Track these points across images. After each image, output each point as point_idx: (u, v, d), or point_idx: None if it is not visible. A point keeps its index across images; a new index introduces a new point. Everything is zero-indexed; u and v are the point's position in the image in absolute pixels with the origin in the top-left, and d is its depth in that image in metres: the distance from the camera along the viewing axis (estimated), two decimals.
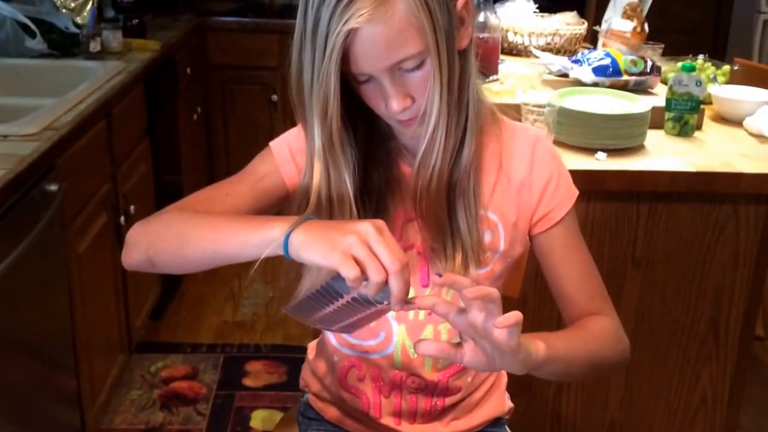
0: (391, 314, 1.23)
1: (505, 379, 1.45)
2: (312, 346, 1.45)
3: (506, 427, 1.44)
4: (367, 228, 0.93)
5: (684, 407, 2.20)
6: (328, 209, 1.12)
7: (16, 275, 1.73)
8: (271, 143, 1.24)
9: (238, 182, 1.21)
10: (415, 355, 1.26)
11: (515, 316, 0.95)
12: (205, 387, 2.75)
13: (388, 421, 1.33)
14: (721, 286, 2.06)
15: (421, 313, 1.24)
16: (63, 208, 1.99)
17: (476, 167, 1.17)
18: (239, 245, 1.02)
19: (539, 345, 1.05)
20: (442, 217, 1.16)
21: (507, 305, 1.55)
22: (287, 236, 0.97)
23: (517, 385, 1.46)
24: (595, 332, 1.21)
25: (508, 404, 1.45)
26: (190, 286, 3.38)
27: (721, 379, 2.17)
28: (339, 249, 0.92)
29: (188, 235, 1.08)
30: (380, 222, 0.95)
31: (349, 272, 0.90)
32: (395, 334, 1.26)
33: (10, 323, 1.78)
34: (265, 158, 1.23)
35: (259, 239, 1.00)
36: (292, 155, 1.21)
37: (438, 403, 1.33)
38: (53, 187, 1.90)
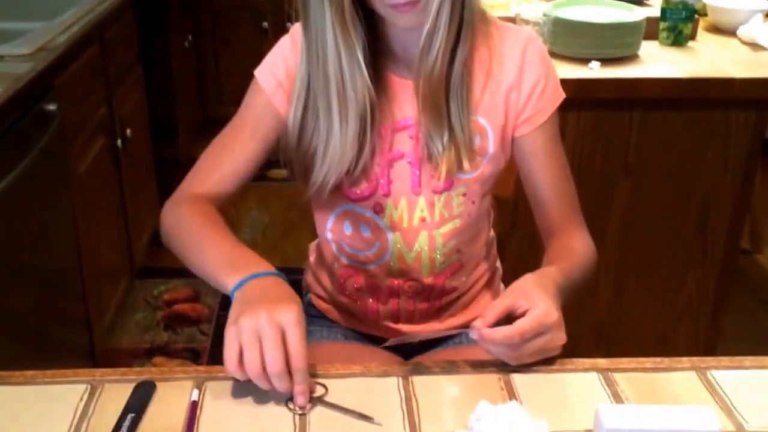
0: (384, 224, 1.23)
1: (500, 272, 1.45)
2: (312, 248, 1.44)
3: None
4: (271, 320, 0.93)
5: (670, 311, 2.22)
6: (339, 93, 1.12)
7: (19, 194, 1.70)
8: (257, 74, 1.21)
9: (239, 130, 1.21)
10: (412, 261, 1.25)
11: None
12: (207, 308, 2.74)
13: (387, 323, 1.34)
14: (710, 193, 2.06)
15: (415, 219, 1.22)
16: (62, 129, 1.96)
17: (468, 71, 1.15)
18: (211, 281, 1.08)
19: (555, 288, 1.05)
20: (442, 110, 1.14)
21: (500, 205, 1.57)
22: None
23: (512, 279, 1.46)
24: (584, 256, 1.21)
25: None
26: None
27: (707, 285, 2.18)
28: (233, 329, 0.94)
29: (184, 252, 1.15)
30: (296, 316, 0.94)
31: (226, 354, 0.93)
32: (390, 242, 1.24)
33: (16, 246, 1.76)
34: (255, 94, 1.21)
35: (221, 285, 1.05)
36: (279, 84, 1.19)
37: (435, 303, 1.32)
38: (51, 107, 1.86)
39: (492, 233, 1.41)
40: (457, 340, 1.38)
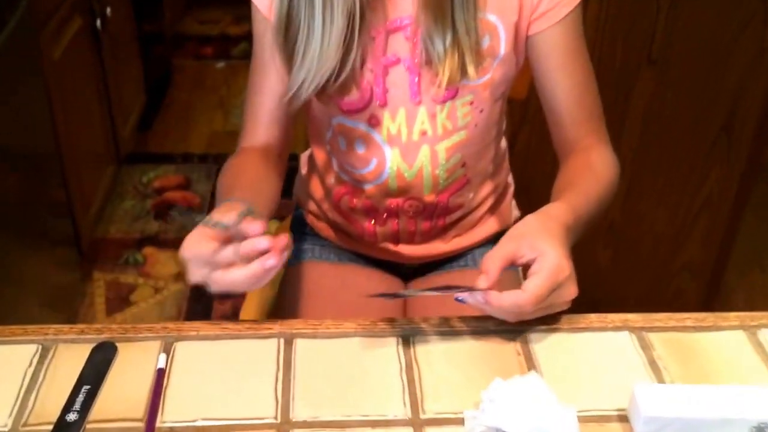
0: (381, 138, 1.06)
1: (512, 189, 1.28)
2: (304, 160, 1.28)
3: None
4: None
5: (687, 208, 2.07)
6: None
7: None
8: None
9: (259, 70, 1.09)
10: (412, 178, 1.08)
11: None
12: (199, 196, 2.59)
13: (385, 244, 1.19)
14: (741, 85, 1.86)
15: (415, 133, 1.05)
16: (32, 12, 1.74)
17: None
18: None
19: (568, 230, 0.89)
20: (445, 6, 0.96)
21: (513, 107, 1.39)
22: None
23: (519, 189, 1.30)
24: (604, 181, 1.03)
25: (515, 214, 1.29)
26: (177, 94, 3.13)
27: (729, 180, 2.03)
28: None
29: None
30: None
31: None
32: (388, 159, 1.07)
33: None
34: (256, 23, 1.07)
35: None
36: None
37: (438, 222, 1.17)
38: None
39: (504, 143, 1.23)
40: (462, 263, 1.23)
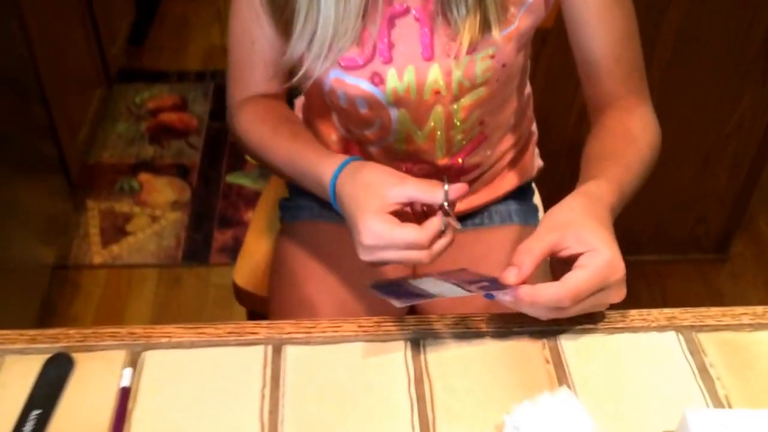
0: (385, 99, 0.90)
1: (535, 138, 1.12)
2: (299, 105, 1.12)
3: (533, 185, 1.15)
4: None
5: (717, 133, 1.92)
6: None
7: None
8: None
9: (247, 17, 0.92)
10: (423, 141, 0.94)
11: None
12: (196, 118, 2.43)
13: None
14: None
15: (427, 92, 0.89)
16: None
17: None
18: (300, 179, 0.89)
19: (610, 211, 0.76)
20: None
21: (538, 36, 1.22)
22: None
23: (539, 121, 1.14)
24: (646, 150, 0.87)
25: (537, 164, 1.14)
26: (171, 6, 2.91)
27: (762, 106, 1.86)
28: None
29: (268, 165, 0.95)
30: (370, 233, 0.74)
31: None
32: (394, 122, 0.92)
33: None
34: None
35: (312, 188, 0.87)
36: None
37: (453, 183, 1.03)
38: None
39: (528, 89, 1.07)
40: (478, 220, 1.09)
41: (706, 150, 1.95)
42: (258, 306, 1.16)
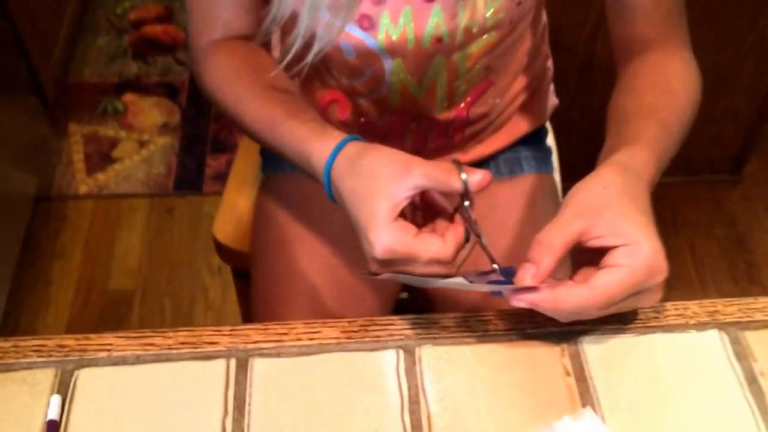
0: (377, 45, 0.74)
1: (551, 74, 0.96)
2: (276, 41, 0.96)
3: (546, 125, 1.01)
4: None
5: (734, 51, 1.76)
6: None
7: None
8: None
9: None
10: (422, 94, 0.78)
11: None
12: (183, 30, 2.25)
13: None
14: None
15: (427, 40, 0.73)
16: None
17: None
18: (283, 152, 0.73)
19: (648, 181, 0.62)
20: None
21: None
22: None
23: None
24: (687, 103, 0.71)
25: (552, 103, 0.98)
26: None
27: None
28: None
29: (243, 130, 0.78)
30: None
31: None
32: (388, 73, 0.77)
33: None
34: None
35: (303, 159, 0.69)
36: None
37: (455, 137, 0.88)
38: None
39: (544, 18, 0.90)
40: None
41: (723, 67, 1.80)
42: (243, 263, 1.03)
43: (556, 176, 1.02)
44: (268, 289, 0.90)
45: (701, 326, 0.61)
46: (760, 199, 1.90)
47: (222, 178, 1.91)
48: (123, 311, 1.69)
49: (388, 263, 0.61)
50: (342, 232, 0.88)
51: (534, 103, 0.93)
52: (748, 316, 0.61)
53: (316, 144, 0.66)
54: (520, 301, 0.55)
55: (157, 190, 1.90)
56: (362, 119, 0.84)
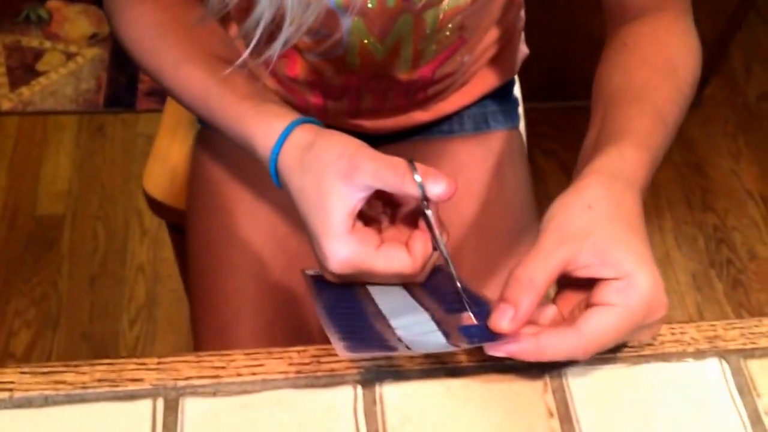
0: (336, 3, 0.61)
1: (522, 23, 0.85)
2: None
3: (515, 77, 0.90)
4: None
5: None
6: None
7: None
8: None
9: None
10: (383, 55, 0.67)
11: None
12: None
13: (338, 120, 0.79)
14: None
15: None
16: None
17: None
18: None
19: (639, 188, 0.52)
20: None
21: None
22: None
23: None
24: (689, 84, 0.61)
25: (522, 54, 0.88)
26: None
27: None
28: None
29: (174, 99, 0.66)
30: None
31: None
32: (346, 33, 0.64)
33: None
34: None
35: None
36: None
37: (418, 96, 0.77)
38: None
39: None
40: (446, 127, 0.85)
41: None
42: (178, 219, 0.92)
43: (522, 126, 0.92)
44: (206, 260, 0.79)
45: (700, 354, 0.53)
46: (718, 121, 1.84)
47: (157, 95, 1.76)
48: (52, 237, 1.57)
49: (345, 277, 0.51)
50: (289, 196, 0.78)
51: (504, 57, 0.82)
52: (752, 342, 0.53)
53: (257, 127, 0.56)
54: (497, 352, 0.46)
55: (87, 106, 1.75)
56: (316, 77, 0.72)
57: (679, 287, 1.58)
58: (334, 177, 0.50)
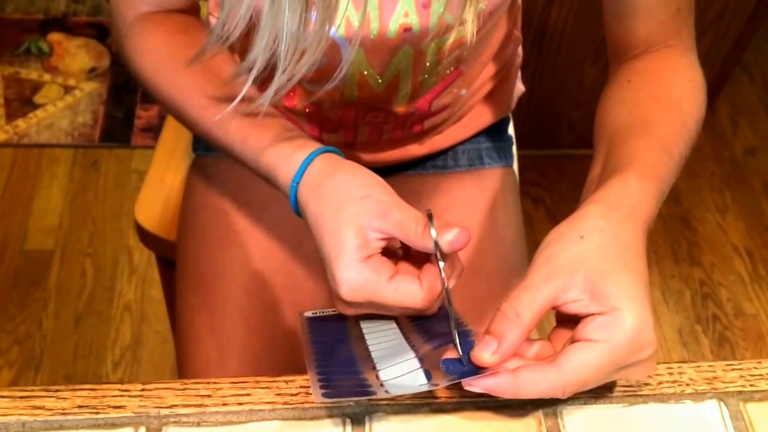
0: (335, 32, 0.61)
1: (519, 60, 0.84)
2: (213, 4, 0.82)
3: (510, 116, 0.90)
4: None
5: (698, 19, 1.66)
6: None
7: None
8: None
9: None
10: (382, 88, 0.66)
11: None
12: None
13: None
14: None
15: (393, 29, 0.61)
16: None
17: None
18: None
19: (645, 224, 0.50)
20: None
21: None
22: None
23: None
24: (695, 121, 0.60)
25: (519, 91, 0.87)
26: None
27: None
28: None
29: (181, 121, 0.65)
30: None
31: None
32: (346, 63, 0.63)
33: None
34: None
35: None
36: None
37: (414, 129, 0.76)
38: None
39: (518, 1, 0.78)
40: (440, 162, 0.83)
41: None
42: (168, 252, 0.90)
43: (515, 166, 0.91)
44: (194, 292, 0.77)
45: (698, 396, 0.51)
46: (705, 175, 1.84)
47: (153, 131, 1.75)
48: (39, 273, 1.53)
49: (354, 305, 0.50)
50: (282, 227, 0.76)
51: (500, 92, 0.81)
52: (752, 385, 0.51)
53: (278, 158, 0.56)
54: (473, 387, 0.44)
55: (82, 140, 1.73)
56: (312, 108, 0.70)
57: (666, 343, 1.55)
58: (354, 214, 0.49)
